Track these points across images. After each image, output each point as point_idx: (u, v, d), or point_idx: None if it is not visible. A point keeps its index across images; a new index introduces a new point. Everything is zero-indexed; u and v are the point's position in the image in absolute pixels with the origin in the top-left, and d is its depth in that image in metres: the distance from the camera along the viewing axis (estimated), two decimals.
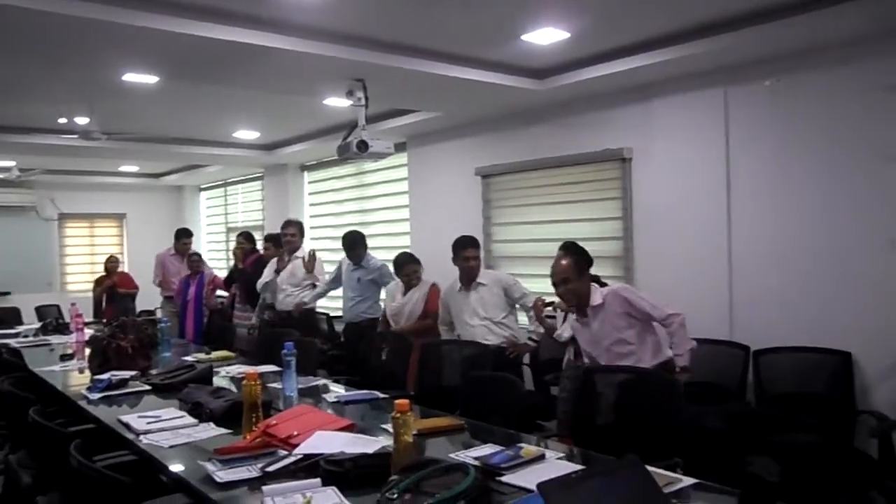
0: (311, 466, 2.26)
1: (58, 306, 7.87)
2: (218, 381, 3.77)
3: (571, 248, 3.60)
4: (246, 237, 6.58)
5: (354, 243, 5.55)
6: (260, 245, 6.85)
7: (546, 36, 4.06)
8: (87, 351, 4.52)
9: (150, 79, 4.66)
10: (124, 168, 9.91)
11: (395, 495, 1.89)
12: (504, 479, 2.20)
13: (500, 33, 4.06)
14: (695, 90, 4.53)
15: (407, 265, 5.02)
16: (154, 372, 3.99)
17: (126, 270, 8.92)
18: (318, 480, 2.13)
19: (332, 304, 7.32)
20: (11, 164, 8.56)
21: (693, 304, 4.01)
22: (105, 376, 3.74)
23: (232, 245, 7.72)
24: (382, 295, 5.61)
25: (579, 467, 2.29)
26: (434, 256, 5.24)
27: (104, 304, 7.99)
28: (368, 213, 7.73)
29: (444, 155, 6.58)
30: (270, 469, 2.25)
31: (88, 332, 5.29)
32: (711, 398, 3.88)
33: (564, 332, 4.00)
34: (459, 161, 6.31)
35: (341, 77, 4.47)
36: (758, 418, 3.85)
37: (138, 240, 10.73)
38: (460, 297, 4.62)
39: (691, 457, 2.54)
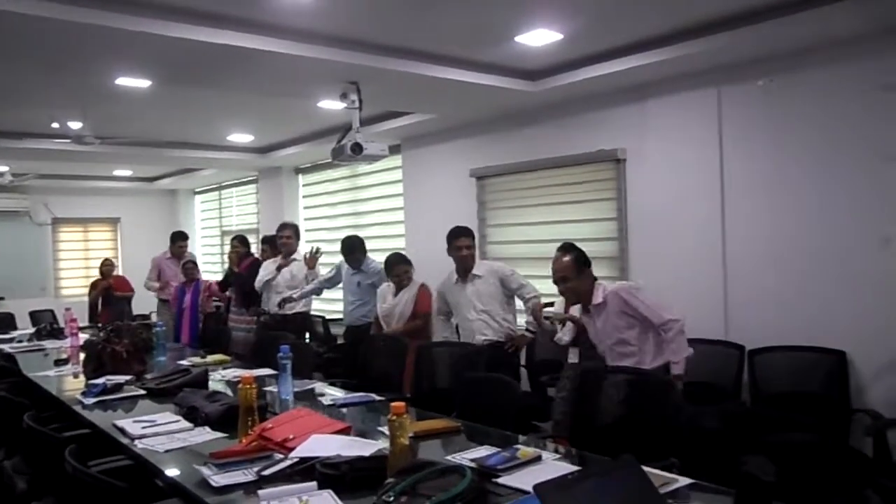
0: (308, 470, 2.25)
1: (52, 311, 7.85)
2: (213, 385, 3.76)
3: (569, 248, 3.63)
4: (240, 241, 6.56)
5: (352, 248, 5.55)
6: (255, 248, 6.84)
7: (539, 37, 4.07)
8: (82, 355, 4.51)
9: (144, 83, 4.66)
10: (118, 172, 9.88)
11: (392, 498, 1.89)
12: (500, 480, 2.20)
13: (493, 35, 4.06)
14: (688, 90, 4.54)
15: (397, 265, 5.01)
16: (149, 376, 3.97)
17: (121, 274, 8.89)
18: (314, 484, 2.12)
19: (327, 306, 7.32)
20: (4, 168, 8.54)
21: (688, 303, 4.02)
22: (100, 381, 3.72)
23: (227, 249, 7.70)
24: None
25: (575, 468, 2.29)
26: (429, 258, 5.24)
27: (100, 307, 7.96)
28: (363, 215, 7.73)
29: (439, 157, 6.58)
30: (266, 473, 2.25)
31: (83, 336, 5.28)
32: (707, 398, 3.89)
33: (565, 335, 4.02)
34: (454, 163, 6.32)
35: (335, 80, 4.47)
36: (753, 418, 3.86)
37: (132, 244, 10.71)
38: (457, 290, 4.60)
39: (687, 457, 2.54)
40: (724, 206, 4.41)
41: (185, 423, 2.95)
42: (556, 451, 2.58)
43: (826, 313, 3.93)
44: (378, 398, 3.47)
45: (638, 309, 3.40)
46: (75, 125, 5.90)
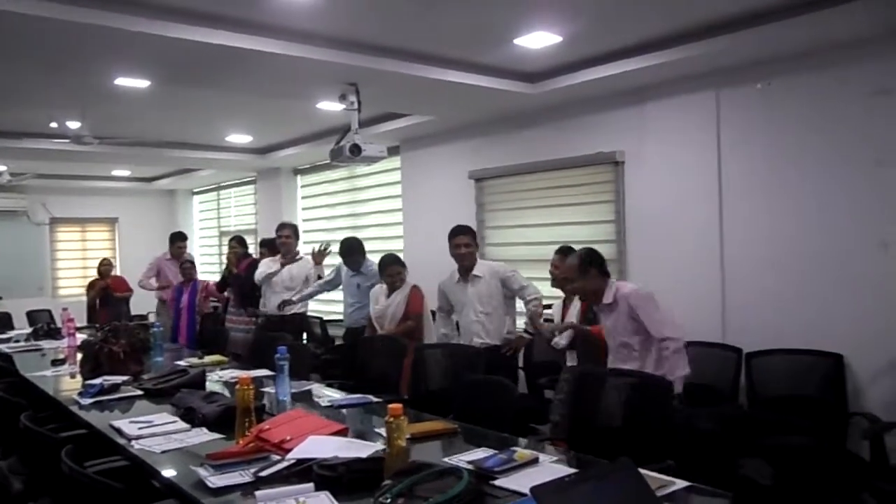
0: (305, 471, 2.25)
1: (49, 311, 7.84)
2: (211, 386, 3.76)
3: (567, 251, 3.65)
4: (239, 241, 6.55)
5: (351, 250, 5.54)
6: (254, 250, 6.83)
7: (538, 40, 4.08)
8: (79, 356, 4.50)
9: (143, 83, 4.66)
10: (116, 172, 9.88)
11: (389, 500, 1.89)
12: (497, 482, 2.19)
13: (492, 37, 4.07)
14: (687, 93, 4.55)
15: (391, 266, 4.98)
16: (146, 377, 3.96)
17: (119, 274, 8.88)
18: (311, 485, 2.12)
19: (325, 307, 7.32)
20: (3, 168, 8.54)
21: (686, 306, 4.03)
22: (97, 381, 3.72)
23: (225, 249, 7.70)
24: None
25: (573, 471, 2.29)
26: (427, 260, 5.24)
27: (98, 307, 7.95)
28: (362, 216, 7.73)
29: (438, 158, 6.58)
30: (263, 474, 2.24)
31: (80, 336, 5.27)
32: (704, 401, 3.89)
33: (562, 339, 4.02)
34: (453, 164, 6.32)
35: (334, 81, 4.47)
36: (750, 421, 3.87)
37: (130, 244, 10.70)
38: (458, 289, 4.57)
39: (684, 459, 2.54)
40: (723, 208, 4.41)
41: (182, 424, 2.94)
42: (554, 453, 2.57)
43: (824, 316, 3.93)
44: (375, 400, 3.46)
45: (641, 317, 3.40)
46: (74, 125, 5.90)
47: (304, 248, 6.33)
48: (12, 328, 6.93)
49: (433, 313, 4.90)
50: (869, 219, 3.80)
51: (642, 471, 1.75)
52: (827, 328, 3.90)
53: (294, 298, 5.81)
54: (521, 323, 4.72)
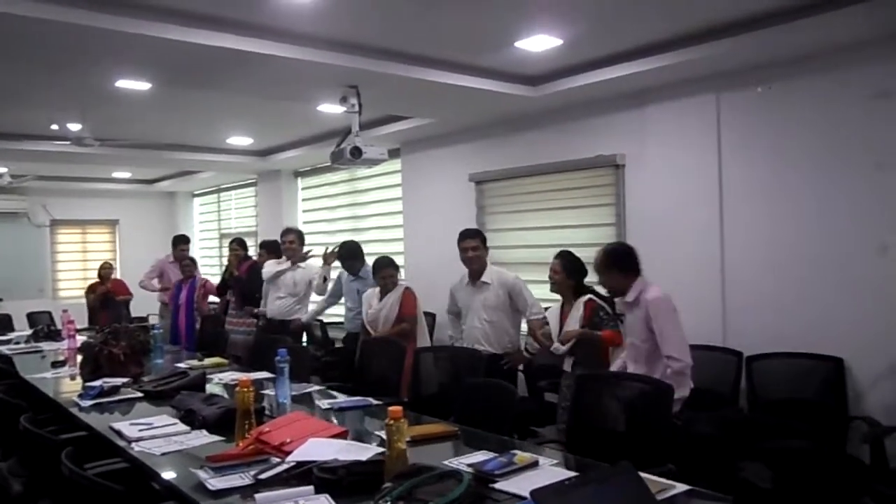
0: (304, 474, 2.25)
1: (49, 313, 7.83)
2: (211, 388, 3.76)
3: (566, 256, 3.64)
4: (239, 243, 6.55)
5: (351, 254, 5.54)
6: (254, 252, 6.82)
7: (539, 43, 4.08)
8: (79, 357, 4.50)
9: (143, 85, 4.66)
10: (117, 174, 9.89)
11: (389, 502, 1.88)
12: (498, 485, 2.19)
13: (493, 40, 4.07)
14: (688, 96, 4.55)
15: (384, 268, 4.97)
16: (146, 379, 3.96)
17: (119, 277, 8.88)
18: (310, 488, 2.12)
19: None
20: (3, 170, 8.53)
21: (686, 309, 4.00)
22: (97, 383, 3.72)
23: (225, 251, 7.70)
24: None
25: (573, 474, 2.29)
26: (428, 262, 5.24)
27: (98, 310, 7.95)
28: (362, 219, 7.73)
29: (438, 161, 6.59)
30: (263, 476, 2.24)
31: (81, 338, 5.27)
32: (704, 404, 3.88)
33: (562, 345, 4.01)
34: (453, 167, 6.32)
35: (335, 83, 4.47)
36: (750, 424, 3.87)
37: (131, 246, 10.71)
38: (466, 293, 4.57)
39: (684, 463, 2.54)
40: (723, 212, 4.41)
41: (182, 426, 2.94)
42: (554, 457, 2.57)
43: (824, 320, 3.93)
44: (375, 402, 3.46)
45: (654, 327, 3.35)
46: (75, 127, 5.90)
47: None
48: (12, 330, 6.93)
49: (426, 315, 4.89)
50: (869, 222, 3.80)
51: (643, 474, 1.76)
52: (827, 332, 3.89)
53: (304, 319, 5.92)
54: (524, 327, 4.72)
